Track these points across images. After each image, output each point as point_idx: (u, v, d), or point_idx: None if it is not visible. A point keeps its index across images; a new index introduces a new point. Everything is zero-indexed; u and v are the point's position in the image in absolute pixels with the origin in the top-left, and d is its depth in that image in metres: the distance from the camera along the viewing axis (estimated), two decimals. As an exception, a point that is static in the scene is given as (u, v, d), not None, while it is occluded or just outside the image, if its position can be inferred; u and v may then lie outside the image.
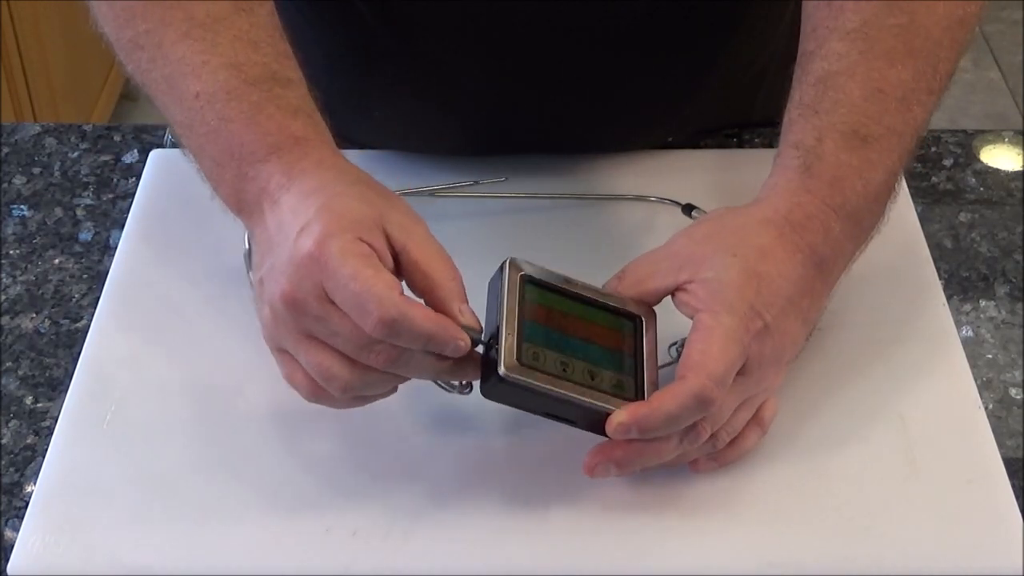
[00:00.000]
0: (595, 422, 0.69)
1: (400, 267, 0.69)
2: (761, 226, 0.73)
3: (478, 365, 0.69)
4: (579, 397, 0.69)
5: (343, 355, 0.67)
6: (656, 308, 0.74)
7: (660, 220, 0.91)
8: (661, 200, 0.92)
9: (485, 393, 0.69)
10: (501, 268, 0.71)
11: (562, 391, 0.68)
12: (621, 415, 0.67)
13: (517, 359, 0.68)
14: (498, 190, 0.92)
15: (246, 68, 0.74)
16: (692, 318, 0.70)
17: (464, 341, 0.67)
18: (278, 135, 0.72)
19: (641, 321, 0.72)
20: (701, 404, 0.67)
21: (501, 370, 0.67)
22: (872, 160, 0.75)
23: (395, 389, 0.71)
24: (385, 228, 0.68)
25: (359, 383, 0.68)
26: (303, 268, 0.66)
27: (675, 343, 0.74)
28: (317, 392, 0.69)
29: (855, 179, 0.74)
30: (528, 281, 0.71)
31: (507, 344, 0.68)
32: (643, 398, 0.69)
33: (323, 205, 0.68)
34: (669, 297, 0.73)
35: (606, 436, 0.69)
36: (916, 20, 0.77)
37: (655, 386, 0.70)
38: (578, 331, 0.71)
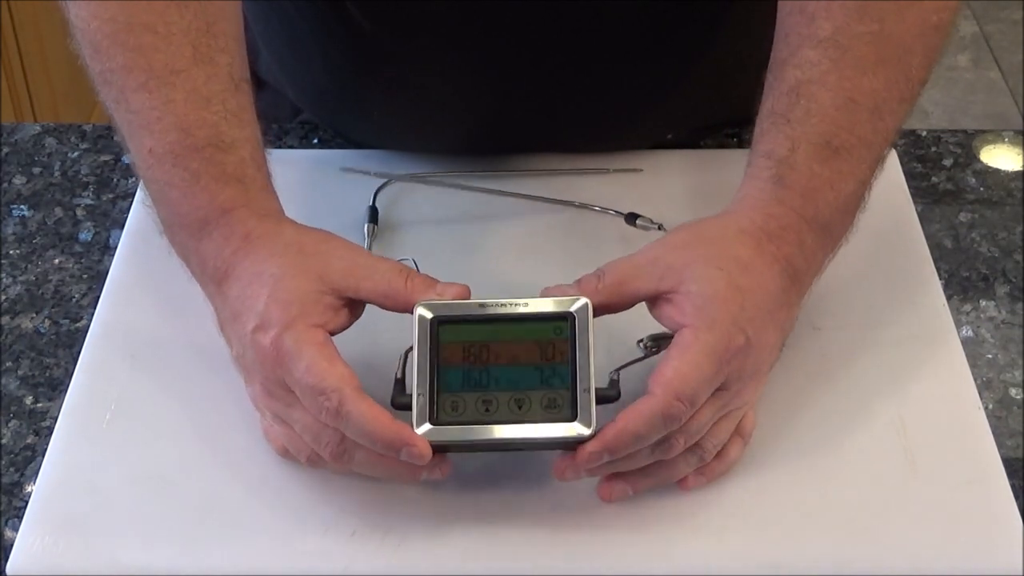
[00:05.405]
0: (538, 448, 0.70)
1: (362, 304, 0.72)
2: (739, 237, 0.72)
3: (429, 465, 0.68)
4: (506, 437, 0.68)
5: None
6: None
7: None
8: (604, 210, 0.91)
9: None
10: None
11: (487, 437, 0.68)
12: (591, 444, 0.67)
13: (431, 419, 0.68)
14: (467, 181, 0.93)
15: (193, 130, 0.75)
16: (673, 331, 0.70)
17: (419, 451, 0.67)
18: (208, 208, 0.74)
19: (574, 318, 0.70)
20: (668, 421, 0.67)
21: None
22: (843, 171, 0.75)
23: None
24: (330, 286, 0.71)
25: (320, 463, 0.71)
26: (267, 364, 0.69)
27: (642, 339, 0.74)
28: (285, 454, 0.74)
29: (827, 190, 0.74)
30: (440, 322, 0.70)
31: (419, 407, 0.68)
32: (577, 410, 0.68)
33: (269, 296, 0.70)
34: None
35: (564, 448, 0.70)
36: (886, 27, 0.76)
37: (591, 391, 0.68)
38: (500, 357, 0.69)
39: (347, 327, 0.72)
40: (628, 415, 0.67)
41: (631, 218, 0.90)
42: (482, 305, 0.70)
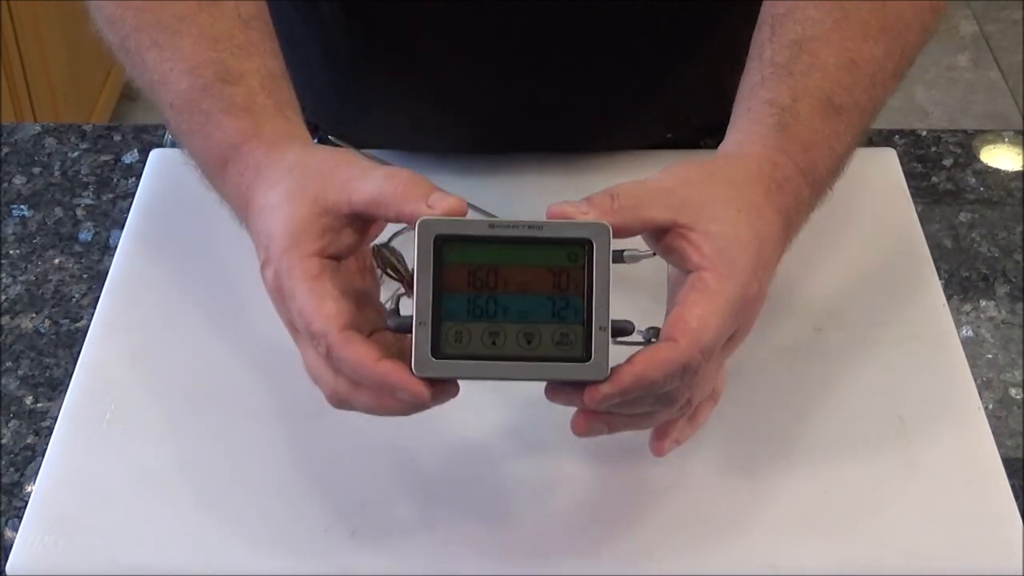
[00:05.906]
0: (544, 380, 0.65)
1: (371, 220, 0.68)
2: (752, 182, 0.70)
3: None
4: (512, 375, 0.64)
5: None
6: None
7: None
8: None
9: None
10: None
11: (492, 372, 0.63)
12: (607, 387, 0.63)
13: (433, 352, 0.63)
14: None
15: (202, 70, 0.74)
16: (689, 270, 0.66)
17: (412, 392, 0.63)
18: (223, 145, 0.73)
19: (592, 244, 0.64)
20: (687, 373, 0.64)
21: (414, 369, 0.62)
22: (839, 132, 0.73)
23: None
24: (324, 205, 0.67)
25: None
26: (276, 301, 0.68)
27: (641, 331, 0.71)
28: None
29: (824, 148, 0.73)
30: (444, 240, 0.63)
31: (419, 338, 0.62)
32: (592, 350, 0.63)
33: (270, 229, 0.67)
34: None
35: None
36: None
37: (607, 329, 0.64)
38: (509, 284, 0.64)
39: (356, 247, 0.68)
40: (647, 360, 0.63)
41: (616, 256, 0.85)
42: (491, 225, 0.64)
